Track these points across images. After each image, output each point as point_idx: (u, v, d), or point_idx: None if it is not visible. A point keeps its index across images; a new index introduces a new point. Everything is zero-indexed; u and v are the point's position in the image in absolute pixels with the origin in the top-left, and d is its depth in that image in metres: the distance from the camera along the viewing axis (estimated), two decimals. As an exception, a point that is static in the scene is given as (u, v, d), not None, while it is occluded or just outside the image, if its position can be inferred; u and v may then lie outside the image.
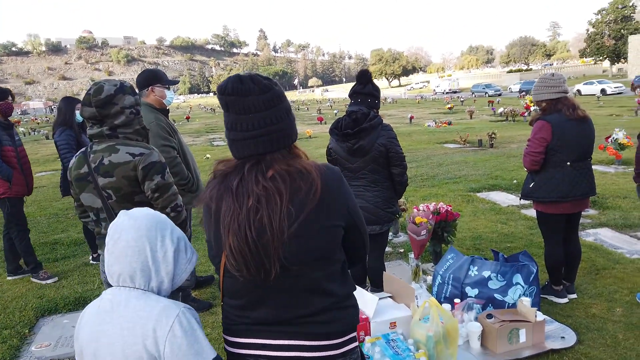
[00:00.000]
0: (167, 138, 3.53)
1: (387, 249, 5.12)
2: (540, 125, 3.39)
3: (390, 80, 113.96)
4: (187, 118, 34.71)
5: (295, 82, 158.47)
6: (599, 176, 7.86)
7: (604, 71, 70.24)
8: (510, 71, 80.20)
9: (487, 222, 5.77)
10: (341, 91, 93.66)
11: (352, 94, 3.48)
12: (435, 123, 19.63)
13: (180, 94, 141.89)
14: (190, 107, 63.32)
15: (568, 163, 3.37)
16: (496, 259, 3.51)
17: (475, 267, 3.37)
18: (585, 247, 4.73)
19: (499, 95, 42.82)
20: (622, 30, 66.03)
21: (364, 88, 3.45)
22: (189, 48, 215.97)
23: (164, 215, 1.43)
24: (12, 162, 4.50)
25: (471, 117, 22.25)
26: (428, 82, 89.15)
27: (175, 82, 3.87)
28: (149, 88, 3.57)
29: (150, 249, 1.32)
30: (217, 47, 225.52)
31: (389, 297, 3.35)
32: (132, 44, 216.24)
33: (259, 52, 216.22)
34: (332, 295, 1.37)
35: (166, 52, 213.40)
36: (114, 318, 1.29)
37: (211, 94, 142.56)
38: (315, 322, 1.35)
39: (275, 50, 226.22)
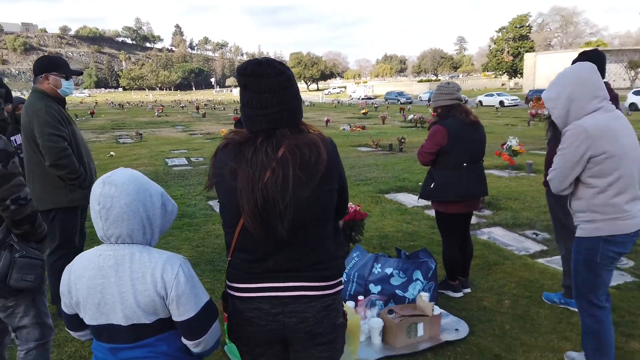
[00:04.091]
0: (56, 127, 3.25)
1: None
2: (436, 129, 3.58)
3: (309, 84, 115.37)
4: (92, 113, 32.49)
5: (212, 80, 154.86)
6: (495, 180, 8.51)
7: (502, 84, 76.53)
8: (421, 81, 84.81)
9: (393, 222, 5.98)
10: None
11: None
12: (350, 127, 20.14)
13: (85, 88, 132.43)
14: (96, 102, 59.46)
15: (465, 164, 3.58)
16: (399, 257, 3.64)
17: (379, 265, 3.47)
18: (479, 245, 5.07)
19: (410, 103, 44.98)
20: (519, 48, 72.46)
21: None
22: (96, 39, 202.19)
23: (138, 172, 1.53)
24: None
25: (384, 123, 23.11)
26: (345, 87, 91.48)
27: (76, 73, 3.59)
28: (44, 75, 3.36)
29: (144, 209, 1.45)
30: (129, 41, 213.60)
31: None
32: (32, 31, 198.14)
33: (174, 48, 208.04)
34: (329, 249, 1.62)
35: (71, 42, 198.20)
36: (119, 271, 1.43)
37: (120, 89, 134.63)
38: (317, 269, 1.60)
39: (192, 47, 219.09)
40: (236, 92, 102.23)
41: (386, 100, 49.77)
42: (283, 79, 1.53)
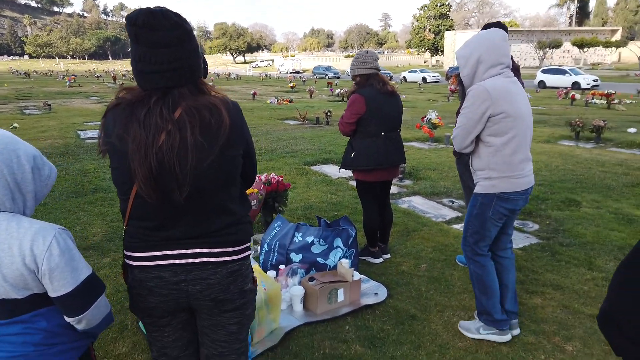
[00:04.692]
0: None
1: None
2: (354, 98, 3.59)
3: (235, 56, 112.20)
4: (-7, 82, 29.43)
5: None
6: (415, 152, 8.80)
7: (425, 61, 79.10)
8: (348, 56, 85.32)
9: (318, 193, 6.00)
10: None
11: None
12: (277, 100, 19.88)
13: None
14: (-2, 71, 53.95)
15: (382, 133, 3.62)
16: (320, 225, 3.64)
17: (300, 234, 3.45)
18: (400, 213, 5.23)
19: (337, 77, 45.18)
20: (439, 27, 74.89)
21: None
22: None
23: (8, 132, 1.38)
24: None
25: (311, 97, 23.06)
26: (272, 61, 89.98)
27: None
28: None
29: (9, 172, 1.30)
30: (33, 4, 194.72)
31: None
32: None
33: (85, 14, 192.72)
34: (234, 214, 1.55)
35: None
36: None
37: (26, 56, 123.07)
38: (222, 235, 1.52)
39: (106, 14, 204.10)
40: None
41: (314, 74, 49.62)
42: (180, 33, 1.40)
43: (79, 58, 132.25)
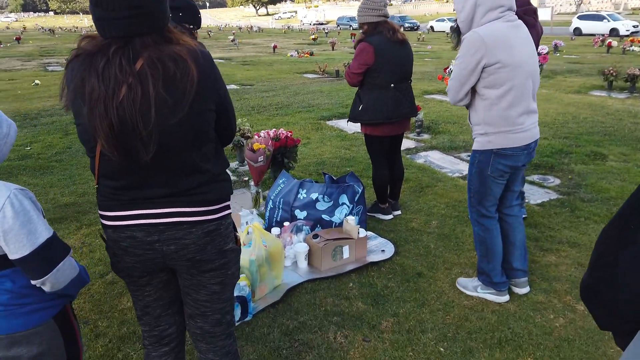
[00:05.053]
0: None
1: (232, 177, 4.96)
2: (362, 47, 3.39)
3: (258, 8, 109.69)
4: (17, 39, 29.68)
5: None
6: (436, 104, 8.50)
7: (453, 9, 75.48)
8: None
9: (332, 148, 5.88)
10: (206, 17, 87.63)
11: None
12: (298, 53, 19.44)
13: (11, 12, 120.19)
14: (24, 28, 54.33)
15: (392, 85, 3.44)
16: (325, 182, 3.55)
17: (304, 190, 3.37)
18: (414, 168, 5.08)
19: (362, 28, 43.75)
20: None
21: None
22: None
23: None
24: None
25: (333, 49, 22.46)
26: (296, 12, 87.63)
27: None
28: None
29: None
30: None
31: (218, 224, 3.21)
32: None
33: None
34: (208, 172, 1.46)
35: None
36: None
37: (51, 13, 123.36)
38: (196, 193, 1.44)
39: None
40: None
41: (338, 25, 48.20)
42: None
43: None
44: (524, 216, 3.78)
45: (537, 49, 3.45)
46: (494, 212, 2.69)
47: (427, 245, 3.44)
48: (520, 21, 2.48)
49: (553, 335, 2.48)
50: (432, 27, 39.10)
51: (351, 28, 43.67)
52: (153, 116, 1.28)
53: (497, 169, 2.53)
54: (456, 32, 2.94)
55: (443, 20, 39.76)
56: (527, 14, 3.24)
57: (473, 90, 2.48)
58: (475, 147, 2.60)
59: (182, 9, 3.08)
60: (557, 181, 4.68)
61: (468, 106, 2.59)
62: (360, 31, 3.55)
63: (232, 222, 1.61)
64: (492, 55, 2.32)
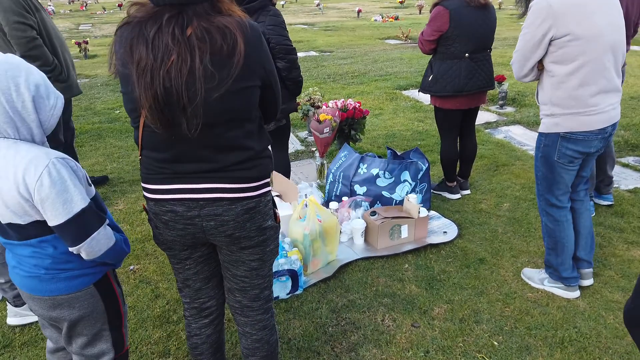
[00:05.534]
0: (22, 14, 3.05)
1: (300, 147, 4.98)
2: (437, 12, 3.14)
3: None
4: (119, 5, 31.62)
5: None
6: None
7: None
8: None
9: (404, 120, 5.67)
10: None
11: None
12: (382, 17, 18.80)
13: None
14: (127, -4, 57.72)
15: (466, 54, 3.18)
16: (388, 157, 3.43)
17: (365, 165, 3.28)
18: (492, 144, 4.76)
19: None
20: None
21: None
22: None
23: (17, 59, 1.34)
24: None
25: (420, 12, 21.43)
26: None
27: None
28: None
29: (6, 100, 1.27)
30: None
31: (277, 196, 3.24)
32: None
33: None
34: (250, 150, 1.44)
35: None
36: None
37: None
38: (237, 169, 1.43)
39: None
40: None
41: None
42: None
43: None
44: (609, 203, 3.42)
45: (639, 14, 3.00)
46: (566, 202, 2.43)
47: (494, 230, 3.23)
48: None
49: (625, 340, 2.23)
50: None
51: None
52: (199, 89, 1.26)
53: (566, 154, 2.27)
54: None
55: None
56: None
57: (541, 64, 2.21)
58: (541, 129, 2.35)
59: None
60: (657, 165, 4.15)
61: (537, 83, 2.33)
62: None
63: (271, 198, 1.60)
64: (561, 25, 2.04)
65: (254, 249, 1.55)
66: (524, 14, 2.37)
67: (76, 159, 3.86)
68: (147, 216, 1.59)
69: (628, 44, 3.04)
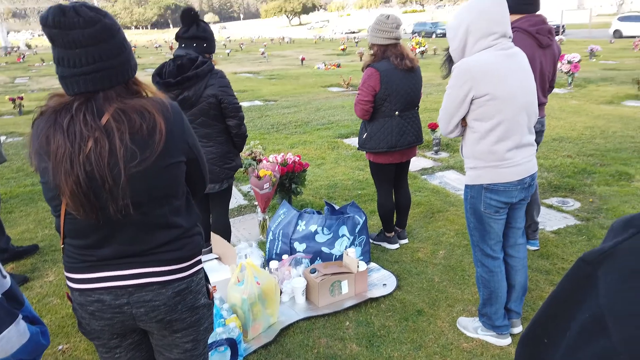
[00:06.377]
0: None
1: (243, 201, 4.98)
2: (369, 73, 3.31)
3: (291, 18, 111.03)
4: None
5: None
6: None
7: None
8: (405, 12, 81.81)
9: (346, 169, 5.82)
10: (240, 28, 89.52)
11: (176, 38, 3.12)
12: (325, 65, 19.48)
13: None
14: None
15: (396, 112, 3.36)
16: (326, 212, 3.50)
17: (303, 222, 3.33)
18: (428, 191, 4.96)
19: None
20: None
21: (187, 32, 3.09)
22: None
23: None
24: None
25: (361, 59, 22.34)
26: (328, 21, 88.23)
27: None
28: None
29: None
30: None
31: (217, 258, 3.21)
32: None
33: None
34: (179, 227, 1.44)
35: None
36: None
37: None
38: (164, 252, 1.41)
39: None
40: (216, 28, 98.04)
41: (414, 33, 47.61)
42: (96, 30, 1.26)
43: (142, 28, 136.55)
44: (535, 249, 3.62)
45: (554, 70, 3.29)
46: (499, 252, 2.56)
47: (431, 279, 3.33)
48: (517, 49, 2.36)
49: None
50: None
51: (434, 36, 40.35)
52: (122, 169, 1.27)
53: (491, 204, 2.42)
54: (448, 61, 2.82)
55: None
56: (540, 34, 3.08)
57: (465, 122, 2.39)
58: (466, 181, 2.51)
59: (208, 39, 3.14)
60: (577, 204, 4.46)
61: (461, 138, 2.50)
62: (370, 52, 3.45)
63: (203, 275, 1.59)
64: (480, 86, 2.23)
65: (186, 331, 1.53)
66: (447, 75, 2.57)
67: (1, 229, 3.68)
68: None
69: (545, 97, 3.31)
